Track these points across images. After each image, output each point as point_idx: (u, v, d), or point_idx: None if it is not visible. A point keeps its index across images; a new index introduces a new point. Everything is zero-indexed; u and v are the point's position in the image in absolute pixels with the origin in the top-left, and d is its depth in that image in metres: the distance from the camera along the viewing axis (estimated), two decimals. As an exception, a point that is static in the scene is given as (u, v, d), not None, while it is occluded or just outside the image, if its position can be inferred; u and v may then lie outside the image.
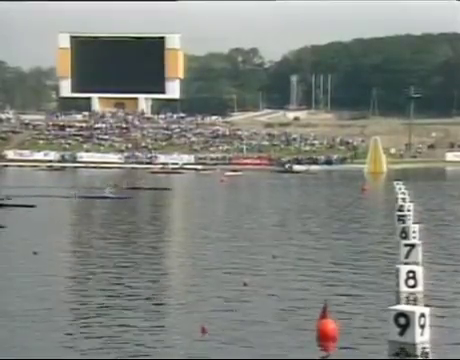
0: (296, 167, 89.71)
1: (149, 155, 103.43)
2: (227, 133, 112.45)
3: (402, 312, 13.54)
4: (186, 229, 33.81)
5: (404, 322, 13.39)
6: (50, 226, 33.99)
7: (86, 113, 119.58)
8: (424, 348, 13.38)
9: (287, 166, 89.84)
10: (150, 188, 54.62)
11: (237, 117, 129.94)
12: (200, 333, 14.99)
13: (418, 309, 13.82)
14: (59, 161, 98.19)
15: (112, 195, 46.18)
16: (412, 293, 18.19)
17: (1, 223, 31.39)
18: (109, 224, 34.45)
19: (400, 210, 33.09)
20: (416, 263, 20.70)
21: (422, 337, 13.44)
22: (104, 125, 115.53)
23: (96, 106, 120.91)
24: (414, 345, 13.33)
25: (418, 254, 21.92)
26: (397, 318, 13.46)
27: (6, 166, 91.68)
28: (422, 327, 13.42)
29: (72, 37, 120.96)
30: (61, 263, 24.26)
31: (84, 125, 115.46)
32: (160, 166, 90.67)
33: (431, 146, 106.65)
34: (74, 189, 51.53)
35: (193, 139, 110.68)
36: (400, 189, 43.73)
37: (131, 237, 30.29)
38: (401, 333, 13.40)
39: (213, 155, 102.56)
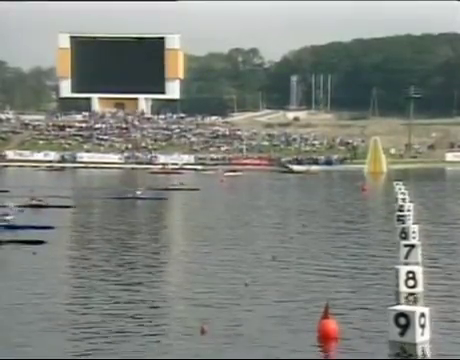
0: (296, 167, 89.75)
1: (149, 155, 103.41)
2: (227, 133, 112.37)
3: (402, 312, 13.57)
4: (194, 230, 33.83)
5: (404, 322, 13.41)
6: (96, 226, 34.39)
7: (86, 113, 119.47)
8: (424, 348, 13.41)
9: (291, 166, 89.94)
10: (179, 188, 54.45)
11: (237, 117, 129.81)
12: (200, 333, 15.03)
13: (418, 309, 13.85)
14: (59, 161, 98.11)
15: (144, 196, 46.35)
16: (412, 293, 18.22)
17: (49, 224, 31.64)
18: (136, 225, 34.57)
19: (400, 210, 33.12)
20: (416, 263, 20.72)
21: (422, 337, 13.47)
22: (104, 125, 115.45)
23: (96, 106, 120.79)
24: (414, 345, 13.36)
25: (418, 254, 21.94)
26: (397, 318, 13.49)
27: (6, 166, 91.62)
28: (422, 327, 13.45)
29: (72, 37, 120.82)
30: (65, 259, 24.35)
31: (84, 125, 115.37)
32: (160, 166, 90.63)
33: (431, 146, 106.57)
34: (103, 190, 52.21)
35: (193, 139, 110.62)
36: (400, 189, 43.76)
37: (139, 238, 30.40)
38: (401, 333, 13.42)
39: (213, 155, 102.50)
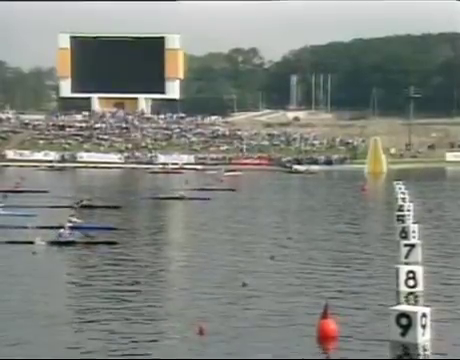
0: (300, 167, 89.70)
1: (149, 155, 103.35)
2: (227, 133, 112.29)
3: (404, 312, 13.56)
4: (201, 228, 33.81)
5: (406, 322, 13.40)
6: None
7: (86, 113, 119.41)
8: (425, 348, 13.40)
9: (293, 167, 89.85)
10: (216, 189, 53.83)
11: (237, 117, 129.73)
12: (198, 334, 15.01)
13: (420, 309, 13.84)
14: (59, 161, 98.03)
15: (188, 196, 46.17)
16: (412, 293, 18.20)
17: (111, 225, 31.98)
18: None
19: (400, 210, 33.13)
20: (416, 263, 20.71)
21: (424, 337, 13.46)
22: (104, 125, 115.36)
23: (96, 106, 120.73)
24: (416, 345, 13.35)
25: (418, 254, 21.93)
26: (399, 318, 13.48)
27: (6, 166, 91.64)
28: (424, 327, 13.44)
29: (72, 37, 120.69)
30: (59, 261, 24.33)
31: (84, 125, 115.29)
32: (160, 166, 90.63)
33: (431, 146, 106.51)
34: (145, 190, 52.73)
35: (193, 139, 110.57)
36: (400, 189, 43.76)
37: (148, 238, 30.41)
38: (403, 333, 13.41)
39: (213, 155, 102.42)
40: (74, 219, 30.67)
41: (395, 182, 49.76)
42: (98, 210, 39.00)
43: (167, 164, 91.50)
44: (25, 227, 29.51)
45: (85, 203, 40.11)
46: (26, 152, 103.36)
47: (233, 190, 53.84)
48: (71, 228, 28.12)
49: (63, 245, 26.52)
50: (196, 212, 39.77)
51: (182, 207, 42.95)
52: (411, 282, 18.40)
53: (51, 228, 28.82)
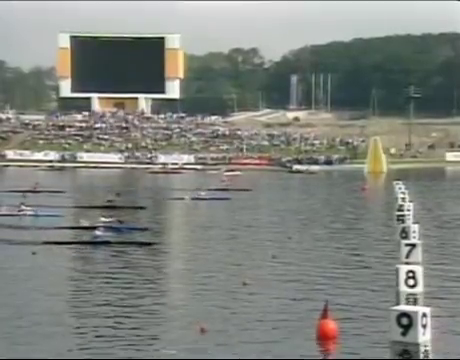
0: (296, 167, 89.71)
1: (149, 155, 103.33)
2: (227, 133, 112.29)
3: (405, 312, 13.54)
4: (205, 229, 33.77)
5: (407, 322, 13.37)
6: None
7: (86, 113, 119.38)
8: (426, 348, 13.38)
9: (294, 167, 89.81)
10: (232, 189, 53.55)
11: (237, 117, 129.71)
12: (199, 333, 15.00)
13: (421, 309, 13.82)
14: (59, 161, 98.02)
15: (208, 196, 46.21)
16: (412, 293, 18.18)
17: (144, 226, 32.02)
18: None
19: (400, 210, 33.08)
20: (416, 263, 20.69)
21: (424, 337, 13.44)
22: (104, 125, 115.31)
23: (96, 106, 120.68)
24: (417, 345, 13.33)
25: (418, 254, 21.90)
26: (399, 318, 13.45)
27: (7, 166, 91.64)
28: (424, 327, 13.43)
29: (72, 37, 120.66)
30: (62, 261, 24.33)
31: (84, 125, 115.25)
32: (160, 166, 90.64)
33: (431, 146, 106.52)
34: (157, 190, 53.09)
35: (193, 139, 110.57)
36: (400, 189, 43.68)
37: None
38: (403, 333, 13.39)
39: (213, 155, 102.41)
40: (106, 219, 30.64)
41: (395, 182, 49.65)
42: (123, 210, 38.67)
43: (167, 164, 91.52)
44: (58, 227, 29.92)
45: (109, 203, 40.08)
46: (26, 152, 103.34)
47: (249, 190, 53.50)
48: (105, 228, 28.11)
49: (98, 245, 26.48)
50: (219, 212, 39.75)
51: (204, 207, 42.82)
52: (411, 282, 18.37)
53: (85, 228, 29.11)
